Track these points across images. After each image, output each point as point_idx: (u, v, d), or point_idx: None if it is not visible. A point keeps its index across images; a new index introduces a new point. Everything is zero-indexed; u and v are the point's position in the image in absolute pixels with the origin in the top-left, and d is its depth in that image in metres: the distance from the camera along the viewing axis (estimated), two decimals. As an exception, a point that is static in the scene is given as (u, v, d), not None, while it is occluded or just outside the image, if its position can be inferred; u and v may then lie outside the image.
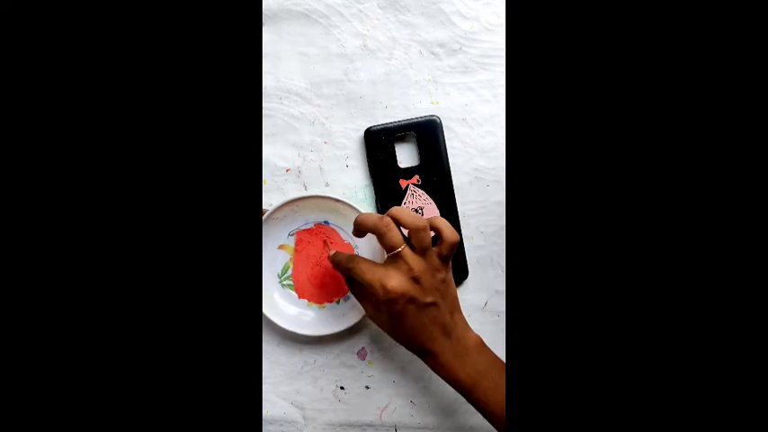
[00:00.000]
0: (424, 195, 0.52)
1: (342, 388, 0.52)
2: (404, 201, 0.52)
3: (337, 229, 0.52)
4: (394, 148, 0.52)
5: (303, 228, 0.52)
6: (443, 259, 0.43)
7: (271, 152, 0.52)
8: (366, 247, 0.52)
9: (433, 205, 0.52)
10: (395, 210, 0.42)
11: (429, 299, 0.42)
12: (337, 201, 0.49)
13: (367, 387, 0.52)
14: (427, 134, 0.52)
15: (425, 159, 0.52)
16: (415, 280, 0.41)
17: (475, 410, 0.52)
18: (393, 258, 0.42)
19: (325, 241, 0.52)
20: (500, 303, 0.52)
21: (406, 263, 0.41)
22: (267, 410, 0.52)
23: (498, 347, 0.53)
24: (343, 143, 0.52)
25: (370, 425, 0.52)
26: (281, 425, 0.52)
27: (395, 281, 0.41)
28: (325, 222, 0.52)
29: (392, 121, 0.52)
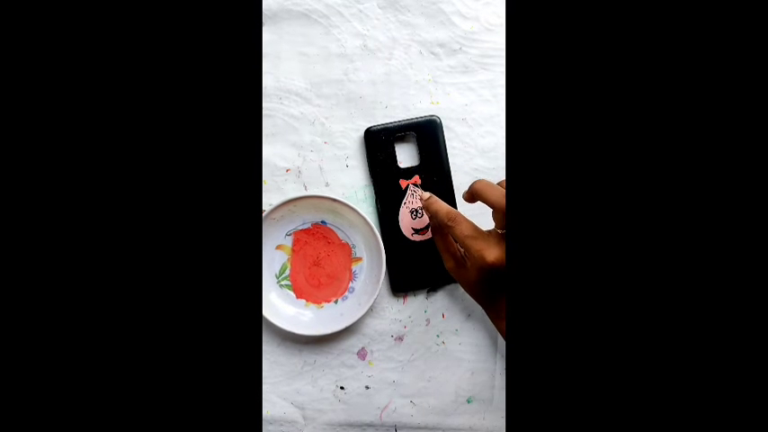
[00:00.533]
0: (424, 195, 0.52)
1: (342, 388, 0.52)
2: (404, 201, 0.52)
3: (335, 229, 0.52)
4: (394, 148, 0.52)
5: (300, 228, 0.52)
6: None
7: (271, 152, 0.52)
8: (365, 250, 0.52)
9: (433, 205, 0.52)
10: (488, 185, 0.44)
11: None
12: (334, 200, 0.49)
13: (367, 387, 0.52)
14: (427, 134, 0.52)
15: (425, 159, 0.52)
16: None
17: (474, 411, 0.52)
18: (496, 233, 0.44)
19: (414, 183, 0.52)
20: (500, 303, 0.52)
21: (503, 241, 0.43)
22: (267, 410, 0.52)
23: (498, 347, 0.53)
24: (343, 143, 0.52)
25: (370, 425, 0.52)
26: (281, 425, 0.52)
27: (494, 255, 0.43)
28: (323, 222, 0.52)
29: (392, 121, 0.52)
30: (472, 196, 0.45)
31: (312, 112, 0.52)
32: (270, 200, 0.52)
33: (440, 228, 0.48)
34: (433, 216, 0.46)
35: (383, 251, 0.49)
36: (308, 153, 0.52)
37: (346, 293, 0.52)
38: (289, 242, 0.52)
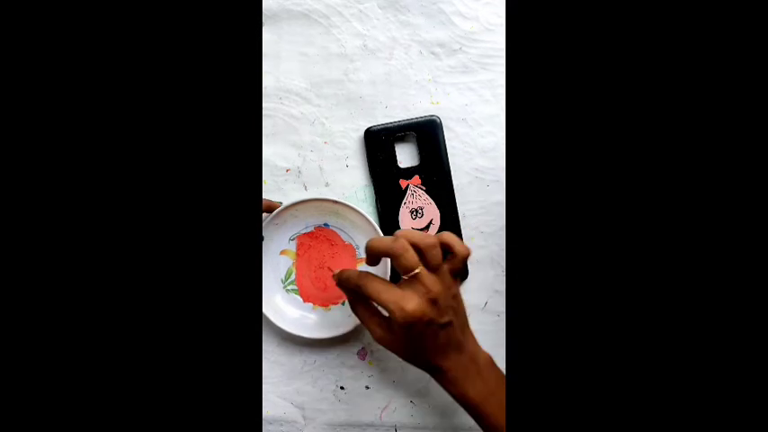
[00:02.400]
0: (424, 195, 0.52)
1: (342, 388, 0.52)
2: (404, 201, 0.52)
3: (338, 231, 0.52)
4: (394, 148, 0.52)
5: (303, 231, 0.52)
6: (455, 274, 0.42)
7: (271, 152, 0.52)
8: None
9: (433, 205, 0.52)
10: (404, 231, 0.42)
11: (445, 319, 0.41)
12: (336, 202, 0.49)
13: (367, 387, 0.52)
14: (427, 134, 0.52)
15: (425, 159, 0.52)
16: (433, 301, 0.40)
17: (475, 410, 0.52)
18: (409, 280, 0.41)
19: (328, 267, 0.52)
20: (500, 303, 0.52)
21: (423, 284, 0.40)
22: (267, 410, 0.52)
23: (498, 347, 0.53)
24: (343, 143, 0.52)
25: (370, 425, 0.52)
26: (281, 425, 0.52)
27: (413, 303, 0.40)
28: (325, 225, 0.52)
29: (392, 121, 0.52)
30: (371, 257, 0.42)
31: (312, 112, 0.52)
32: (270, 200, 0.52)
33: (357, 299, 0.44)
34: (345, 283, 0.43)
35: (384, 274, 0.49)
36: (308, 153, 0.52)
37: None
38: (293, 247, 0.52)
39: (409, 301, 0.40)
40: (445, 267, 0.42)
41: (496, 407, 0.42)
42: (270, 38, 0.52)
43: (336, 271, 0.46)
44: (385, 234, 0.50)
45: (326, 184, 0.52)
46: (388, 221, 0.52)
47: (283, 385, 0.52)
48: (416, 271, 0.40)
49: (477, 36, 0.52)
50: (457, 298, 0.43)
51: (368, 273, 0.42)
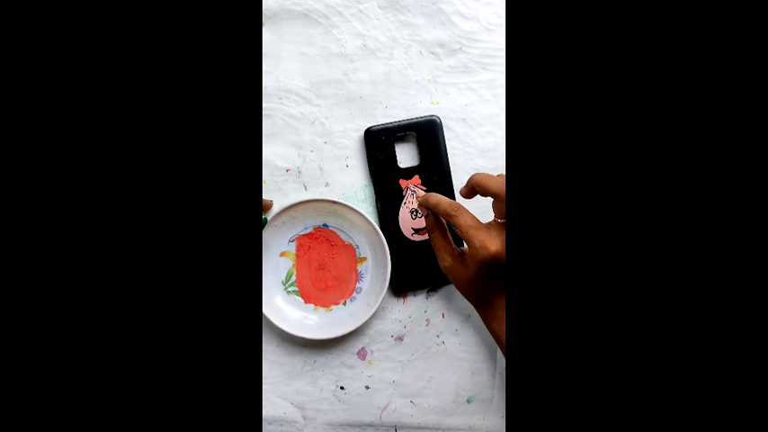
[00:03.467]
0: (424, 195, 0.52)
1: (342, 388, 0.52)
2: (404, 201, 0.52)
3: (337, 231, 0.52)
4: (394, 148, 0.52)
5: (303, 233, 0.52)
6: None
7: (271, 152, 0.52)
8: (369, 249, 0.52)
9: (433, 205, 0.52)
10: (486, 176, 0.44)
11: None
12: (335, 203, 0.49)
13: (367, 387, 0.52)
14: (427, 134, 0.52)
15: (425, 159, 0.52)
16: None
17: (474, 411, 0.52)
18: (500, 224, 0.43)
19: (412, 185, 0.52)
20: (500, 303, 0.52)
21: (504, 233, 0.43)
22: (267, 410, 0.52)
23: (498, 347, 0.53)
24: (343, 143, 0.52)
25: (370, 425, 0.52)
26: (281, 425, 0.52)
27: (496, 245, 0.42)
28: (324, 225, 0.52)
29: (392, 121, 0.52)
30: (471, 190, 0.45)
31: (312, 112, 0.52)
32: (270, 200, 0.52)
33: (436, 225, 0.46)
34: (435, 207, 0.45)
35: (387, 249, 0.49)
36: (308, 153, 0.52)
37: (354, 294, 0.52)
38: (292, 248, 0.52)
39: (494, 243, 0.42)
40: None
41: None
42: (270, 38, 0.52)
43: (422, 193, 0.47)
44: (385, 233, 0.50)
45: (326, 184, 0.52)
46: (388, 221, 0.52)
47: (283, 385, 0.52)
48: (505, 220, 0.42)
49: (477, 36, 0.52)
50: None
51: (460, 204, 0.44)
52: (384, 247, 0.49)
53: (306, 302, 0.52)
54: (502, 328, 0.45)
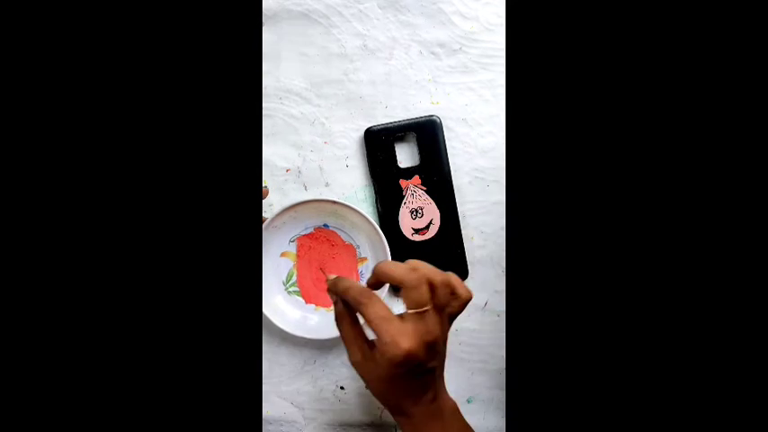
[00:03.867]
0: (424, 195, 0.52)
1: (342, 388, 0.52)
2: (404, 201, 0.52)
3: (337, 231, 0.52)
4: (394, 148, 0.52)
5: (303, 233, 0.52)
6: (452, 319, 0.40)
7: (271, 152, 0.52)
8: (369, 249, 0.52)
9: (433, 205, 0.52)
10: (418, 263, 0.39)
11: (432, 364, 0.38)
12: (335, 203, 0.49)
13: (367, 387, 0.52)
14: (427, 134, 0.52)
15: (425, 159, 0.52)
16: (429, 345, 0.37)
17: (474, 411, 0.52)
18: (414, 315, 0.38)
19: (321, 269, 0.51)
20: (500, 303, 0.52)
21: (426, 324, 0.37)
22: (267, 410, 0.52)
23: (498, 347, 0.53)
24: (343, 143, 0.52)
25: (370, 425, 0.52)
26: (281, 425, 0.52)
27: (409, 342, 0.37)
28: (325, 225, 0.52)
29: (392, 121, 0.52)
30: (377, 280, 0.40)
31: (312, 112, 0.52)
32: (270, 200, 0.52)
33: (346, 313, 0.41)
34: (344, 293, 0.40)
35: (388, 249, 0.49)
36: (308, 153, 0.52)
37: None
38: (293, 248, 0.52)
39: (407, 339, 0.37)
40: (447, 310, 0.39)
41: None
42: (270, 38, 0.52)
43: (332, 276, 0.42)
44: (385, 233, 0.50)
45: (326, 184, 0.52)
46: (388, 221, 0.52)
47: (283, 385, 0.52)
48: (426, 308, 0.38)
49: (477, 36, 0.52)
50: (445, 343, 0.40)
51: (372, 292, 0.39)
52: (385, 247, 0.49)
53: (306, 302, 0.52)
54: (417, 429, 0.40)
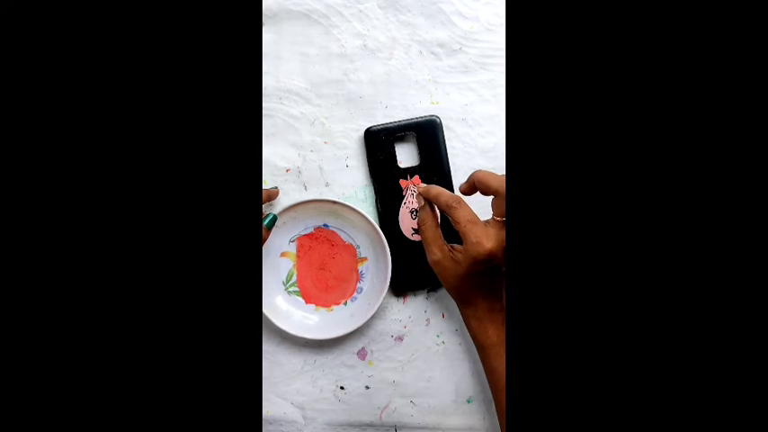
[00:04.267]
0: (424, 195, 0.52)
1: (342, 388, 0.52)
2: (404, 201, 0.52)
3: (337, 231, 0.52)
4: (394, 148, 0.52)
5: (303, 233, 0.52)
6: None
7: (271, 152, 0.52)
8: (369, 249, 0.52)
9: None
10: (488, 173, 0.44)
11: (503, 267, 0.44)
12: (335, 203, 0.49)
13: (367, 387, 0.52)
14: (427, 134, 0.52)
15: (425, 159, 0.52)
16: (503, 248, 0.43)
17: (474, 411, 0.52)
18: (500, 222, 0.43)
19: (412, 183, 0.51)
20: (500, 303, 0.52)
21: (503, 230, 0.43)
22: (267, 410, 0.52)
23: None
24: (343, 143, 0.52)
25: (370, 425, 0.52)
26: (281, 425, 0.52)
27: (492, 243, 0.42)
28: (325, 225, 0.52)
29: (392, 121, 0.52)
30: (471, 187, 0.45)
31: (312, 112, 0.52)
32: (270, 200, 0.52)
33: (430, 218, 0.47)
34: (436, 197, 0.45)
35: (388, 249, 0.49)
36: (308, 153, 0.52)
37: (355, 294, 0.52)
38: (293, 248, 0.52)
39: (490, 240, 0.42)
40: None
41: (503, 355, 0.45)
42: (270, 38, 0.52)
43: (423, 185, 0.47)
44: (385, 233, 0.50)
45: (326, 184, 0.52)
46: (388, 221, 0.52)
47: (283, 385, 0.52)
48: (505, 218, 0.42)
49: (477, 36, 0.52)
50: None
51: (461, 198, 0.44)
52: (384, 247, 0.49)
53: (307, 302, 0.52)
54: (481, 327, 0.45)
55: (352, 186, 0.52)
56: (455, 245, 0.45)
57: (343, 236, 0.52)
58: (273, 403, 0.52)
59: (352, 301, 0.52)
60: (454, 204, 0.44)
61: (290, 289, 0.52)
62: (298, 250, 0.52)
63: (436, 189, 0.46)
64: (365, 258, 0.52)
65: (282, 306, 0.51)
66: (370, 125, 0.51)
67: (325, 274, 0.52)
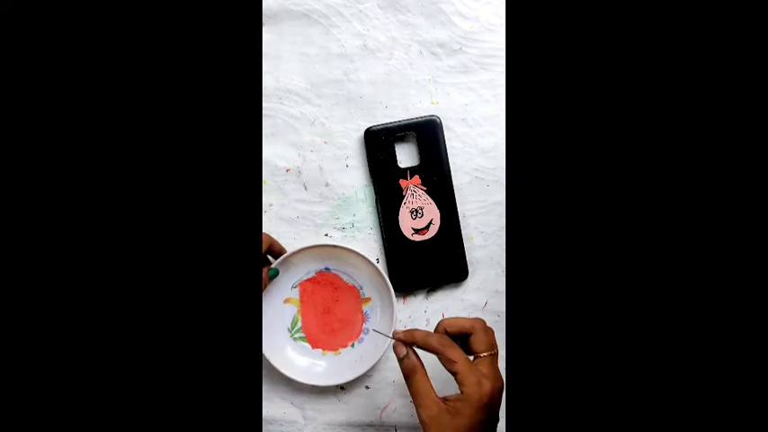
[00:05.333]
0: (424, 195, 0.52)
1: (342, 388, 0.52)
2: (404, 201, 0.52)
3: (339, 274, 0.51)
4: (394, 148, 0.52)
5: (305, 278, 0.51)
6: None
7: (271, 152, 0.52)
8: (372, 289, 0.51)
9: (434, 205, 0.52)
10: (452, 319, 0.41)
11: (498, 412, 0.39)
12: (335, 247, 0.49)
13: (367, 387, 0.52)
14: (427, 134, 0.52)
15: (425, 159, 0.52)
16: (502, 388, 0.38)
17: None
18: (485, 358, 0.39)
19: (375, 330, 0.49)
20: (500, 303, 0.52)
21: (495, 367, 0.38)
22: (267, 410, 0.52)
23: (498, 348, 0.52)
24: (343, 143, 0.52)
25: (370, 425, 0.52)
26: (281, 425, 0.52)
27: (490, 385, 0.37)
28: (326, 269, 0.51)
29: (392, 121, 0.52)
30: (445, 332, 0.40)
31: (312, 112, 0.52)
32: (270, 200, 0.52)
33: (418, 366, 0.40)
34: (423, 342, 0.40)
35: (391, 289, 0.49)
36: (308, 153, 0.52)
37: (362, 335, 0.51)
38: (296, 294, 0.51)
39: (488, 382, 0.37)
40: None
41: None
42: (270, 38, 0.52)
43: (402, 329, 0.42)
44: (385, 233, 0.50)
45: (326, 184, 0.52)
46: (388, 221, 0.52)
47: (283, 385, 0.52)
48: (495, 351, 0.39)
49: (477, 36, 0.52)
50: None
51: (448, 338, 0.40)
52: (388, 286, 0.49)
53: (313, 347, 0.51)
54: None
55: (352, 186, 0.52)
56: (447, 396, 0.38)
57: (345, 278, 0.51)
58: (273, 403, 0.52)
59: (359, 342, 0.51)
60: (447, 344, 0.39)
61: (296, 335, 0.51)
62: (301, 295, 0.51)
63: (420, 332, 0.40)
64: (369, 299, 0.52)
65: (291, 355, 0.51)
66: (370, 125, 0.51)
67: (330, 317, 0.52)
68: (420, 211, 0.52)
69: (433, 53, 0.52)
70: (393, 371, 0.52)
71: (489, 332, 0.40)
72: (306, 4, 0.52)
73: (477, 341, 0.39)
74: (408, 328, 0.42)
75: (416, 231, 0.52)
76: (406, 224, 0.52)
